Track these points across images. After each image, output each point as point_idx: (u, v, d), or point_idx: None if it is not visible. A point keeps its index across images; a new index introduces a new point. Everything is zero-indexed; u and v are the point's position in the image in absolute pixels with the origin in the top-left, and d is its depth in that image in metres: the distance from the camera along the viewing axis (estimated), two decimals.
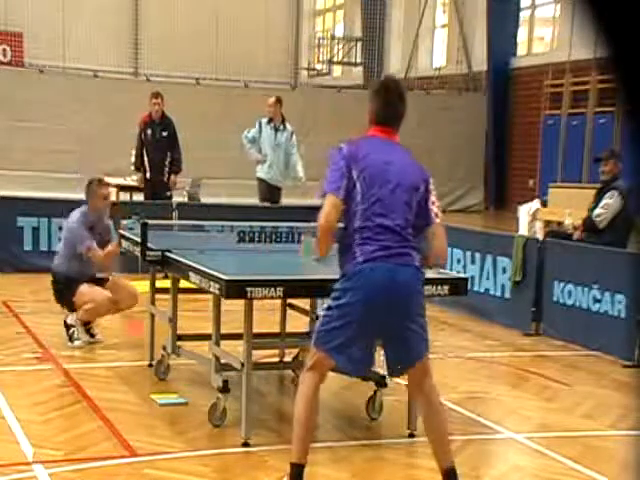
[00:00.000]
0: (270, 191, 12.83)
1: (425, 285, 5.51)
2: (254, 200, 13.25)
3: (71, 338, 7.82)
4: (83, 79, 20.91)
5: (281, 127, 12.78)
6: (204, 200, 14.69)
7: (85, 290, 7.91)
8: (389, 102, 4.81)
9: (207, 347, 6.13)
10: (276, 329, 7.19)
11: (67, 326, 7.87)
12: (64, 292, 8.06)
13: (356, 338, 4.48)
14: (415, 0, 25.09)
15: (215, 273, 5.25)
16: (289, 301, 7.10)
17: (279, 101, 12.81)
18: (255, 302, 5.30)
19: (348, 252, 4.57)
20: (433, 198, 4.81)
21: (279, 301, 7.11)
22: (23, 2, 23.57)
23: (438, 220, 4.82)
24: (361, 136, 4.85)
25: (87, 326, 7.94)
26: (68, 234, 8.22)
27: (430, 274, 6.21)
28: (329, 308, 4.55)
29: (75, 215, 8.14)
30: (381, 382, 6.08)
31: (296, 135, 13.11)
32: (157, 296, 7.24)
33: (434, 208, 4.80)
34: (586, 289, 8.42)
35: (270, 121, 12.71)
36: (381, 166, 4.64)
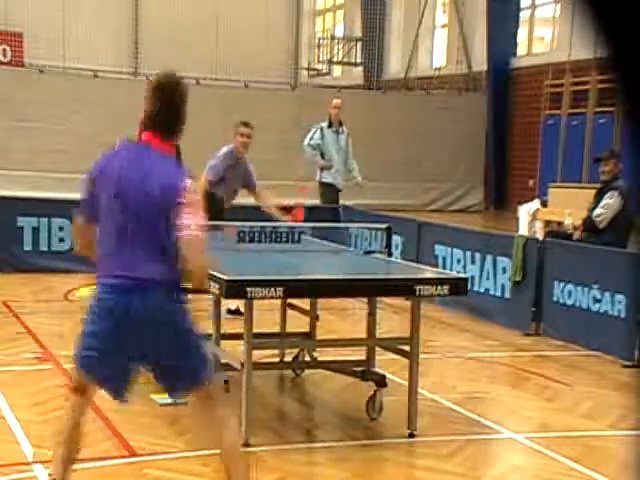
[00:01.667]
0: (336, 194, 12.81)
1: (425, 285, 5.54)
2: (254, 200, 13.26)
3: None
4: (83, 79, 20.90)
5: (340, 130, 12.77)
6: None
7: None
8: (155, 102, 4.18)
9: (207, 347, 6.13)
10: (276, 329, 7.19)
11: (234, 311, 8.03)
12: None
13: None
14: (415, 0, 25.07)
15: (215, 273, 5.25)
16: (289, 301, 7.10)
17: None
18: (255, 302, 5.30)
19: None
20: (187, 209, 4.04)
21: (279, 301, 7.11)
22: (23, 2, 23.55)
23: (189, 233, 4.00)
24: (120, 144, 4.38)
25: None
26: (211, 163, 9.38)
27: (430, 274, 6.22)
28: None
29: (222, 150, 9.38)
30: (381, 382, 6.08)
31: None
32: None
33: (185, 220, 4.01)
34: (586, 289, 8.42)
35: (330, 125, 12.69)
36: (118, 181, 4.10)
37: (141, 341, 4.00)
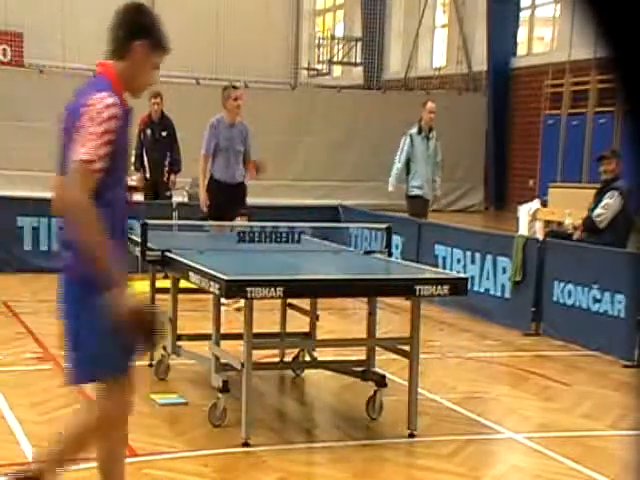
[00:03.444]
0: (424, 206, 11.95)
1: (425, 285, 5.54)
2: (254, 200, 13.24)
3: None
4: (83, 79, 20.82)
5: (430, 135, 11.92)
6: None
7: None
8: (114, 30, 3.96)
9: (207, 347, 6.14)
10: (276, 329, 7.19)
11: None
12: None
13: None
14: (415, 0, 25.08)
15: (215, 273, 5.25)
16: (289, 301, 7.10)
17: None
18: (255, 302, 5.30)
19: None
20: (81, 132, 3.64)
21: (279, 301, 7.11)
22: (23, 2, 23.55)
23: (73, 159, 3.64)
24: None
25: None
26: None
27: (430, 274, 6.22)
28: None
29: (211, 120, 9.49)
30: (381, 382, 6.08)
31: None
32: (157, 296, 7.24)
33: (76, 146, 3.64)
34: (586, 289, 8.42)
35: (420, 131, 11.85)
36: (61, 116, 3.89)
37: None
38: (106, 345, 3.72)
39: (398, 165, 11.80)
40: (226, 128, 9.43)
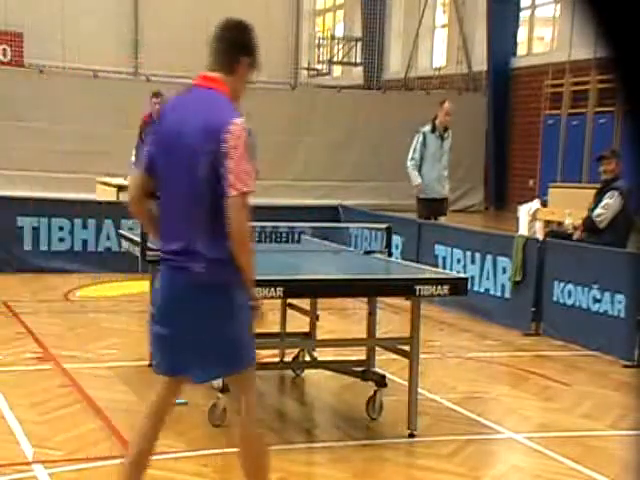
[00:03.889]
0: (437, 206, 11.65)
1: (425, 285, 5.54)
2: (254, 200, 13.23)
3: None
4: (83, 79, 20.91)
5: (445, 135, 11.64)
6: None
7: None
8: (215, 47, 4.08)
9: None
10: (276, 329, 7.19)
11: None
12: None
13: None
14: (415, 0, 25.08)
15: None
16: (289, 301, 7.10)
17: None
18: None
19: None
20: (231, 162, 3.75)
21: (279, 301, 7.11)
22: (23, 2, 23.56)
23: (234, 192, 3.74)
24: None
25: None
26: None
27: (430, 274, 6.22)
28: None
29: None
30: (381, 382, 6.08)
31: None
32: None
33: (230, 177, 3.74)
34: (586, 289, 8.42)
35: (434, 129, 11.58)
36: (169, 132, 3.94)
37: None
38: (248, 338, 4.03)
39: (413, 162, 11.59)
40: None
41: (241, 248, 3.81)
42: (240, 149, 3.76)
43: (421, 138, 11.55)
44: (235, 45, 4.06)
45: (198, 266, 3.86)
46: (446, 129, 11.61)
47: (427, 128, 11.61)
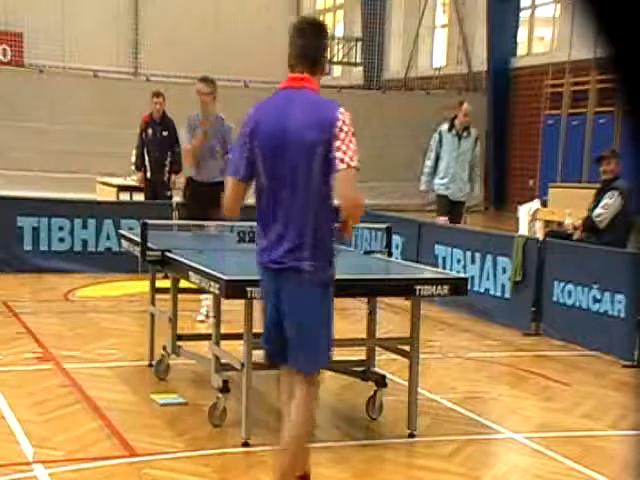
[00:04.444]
0: (452, 207, 11.31)
1: (425, 285, 5.54)
2: (254, 200, 13.20)
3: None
4: (83, 79, 20.92)
5: (464, 134, 11.27)
6: None
7: None
8: (291, 43, 4.28)
9: (207, 347, 6.13)
10: None
11: None
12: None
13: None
14: (415, 0, 25.09)
15: (215, 273, 5.25)
16: None
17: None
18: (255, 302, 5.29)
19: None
20: (340, 143, 4.12)
21: None
22: (23, 2, 23.56)
23: (343, 166, 4.08)
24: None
25: None
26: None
27: (430, 274, 6.22)
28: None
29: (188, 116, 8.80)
30: (381, 382, 6.08)
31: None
32: (157, 296, 7.24)
33: (339, 154, 4.10)
34: (586, 289, 8.42)
35: (451, 128, 11.29)
36: (275, 132, 4.17)
37: None
38: (331, 336, 4.45)
39: (428, 162, 11.33)
40: (201, 124, 8.73)
41: (352, 210, 4.18)
42: (349, 134, 4.10)
43: (437, 137, 11.32)
44: (319, 46, 4.28)
45: (307, 264, 4.17)
46: (466, 129, 11.29)
47: (444, 127, 11.39)
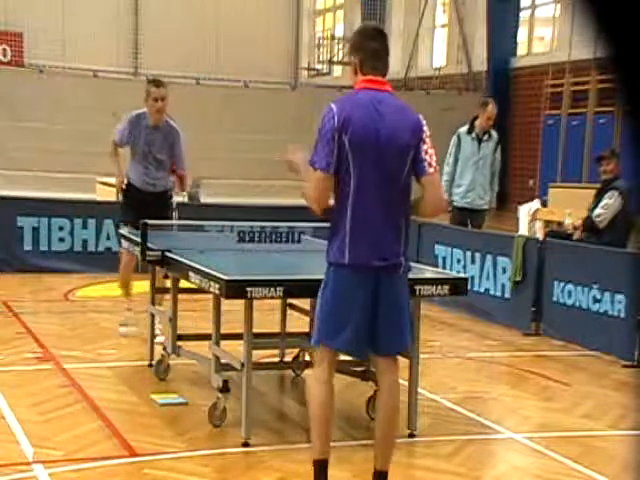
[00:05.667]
0: (471, 215, 10.67)
1: (425, 285, 5.54)
2: (254, 200, 13.22)
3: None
4: (83, 79, 20.91)
5: (485, 137, 10.55)
6: (204, 200, 14.70)
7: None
8: (362, 47, 4.47)
9: (207, 347, 6.13)
10: (276, 329, 7.19)
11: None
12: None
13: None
14: (415, 0, 25.08)
15: (215, 273, 5.25)
16: (289, 301, 7.09)
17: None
18: (255, 302, 5.29)
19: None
20: (426, 147, 4.45)
21: (279, 301, 7.11)
22: (23, 2, 23.55)
23: (432, 170, 4.42)
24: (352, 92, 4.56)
25: None
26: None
27: (430, 274, 6.22)
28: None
29: (131, 113, 8.07)
30: None
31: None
32: (157, 296, 7.24)
33: (427, 158, 4.44)
34: (586, 289, 8.42)
35: (470, 130, 10.57)
36: (368, 132, 4.32)
37: None
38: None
39: (446, 168, 10.54)
40: (148, 130, 7.99)
41: (439, 211, 4.71)
42: (430, 139, 4.45)
43: (455, 140, 10.61)
44: (388, 52, 4.53)
45: (398, 261, 4.41)
46: (487, 132, 10.57)
47: (463, 129, 10.66)
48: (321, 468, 4.56)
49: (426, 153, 4.39)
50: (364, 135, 4.28)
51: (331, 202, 4.46)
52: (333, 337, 4.47)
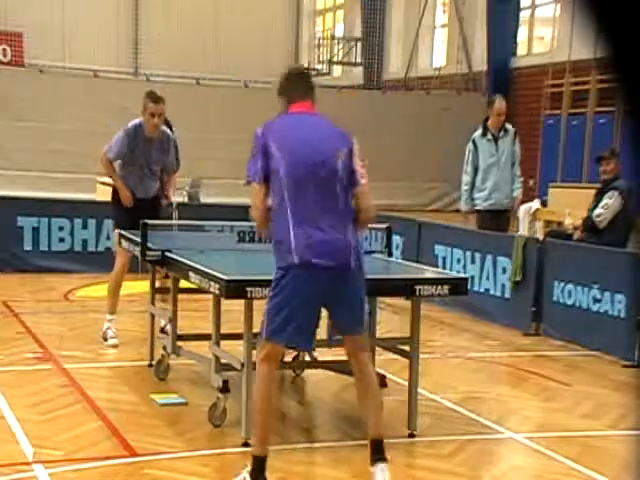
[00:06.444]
0: (495, 218, 10.24)
1: (425, 285, 5.55)
2: (247, 200, 13.16)
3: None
4: (83, 79, 20.91)
5: (500, 134, 10.30)
6: (204, 200, 14.70)
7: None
8: (291, 84, 4.98)
9: (207, 347, 6.13)
10: None
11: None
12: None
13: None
14: (415, 0, 25.08)
15: (215, 273, 5.25)
16: None
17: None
18: (255, 302, 5.29)
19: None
20: (356, 159, 4.85)
21: None
22: (23, 2, 23.57)
23: (364, 181, 4.85)
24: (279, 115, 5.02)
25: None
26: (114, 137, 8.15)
27: (430, 274, 6.22)
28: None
29: (129, 124, 8.09)
30: (381, 382, 6.07)
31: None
32: (157, 296, 7.24)
33: (358, 169, 4.83)
34: (586, 289, 8.42)
35: (484, 132, 10.39)
36: (300, 138, 4.76)
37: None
38: None
39: (466, 178, 10.31)
40: (144, 142, 8.01)
41: (372, 220, 5.04)
42: (359, 156, 4.83)
43: (471, 146, 10.36)
44: (313, 89, 5.09)
45: (347, 260, 4.61)
46: (501, 129, 10.34)
47: (477, 133, 10.46)
48: (260, 464, 4.65)
49: (357, 165, 4.76)
50: (293, 141, 4.72)
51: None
52: (280, 333, 4.62)
